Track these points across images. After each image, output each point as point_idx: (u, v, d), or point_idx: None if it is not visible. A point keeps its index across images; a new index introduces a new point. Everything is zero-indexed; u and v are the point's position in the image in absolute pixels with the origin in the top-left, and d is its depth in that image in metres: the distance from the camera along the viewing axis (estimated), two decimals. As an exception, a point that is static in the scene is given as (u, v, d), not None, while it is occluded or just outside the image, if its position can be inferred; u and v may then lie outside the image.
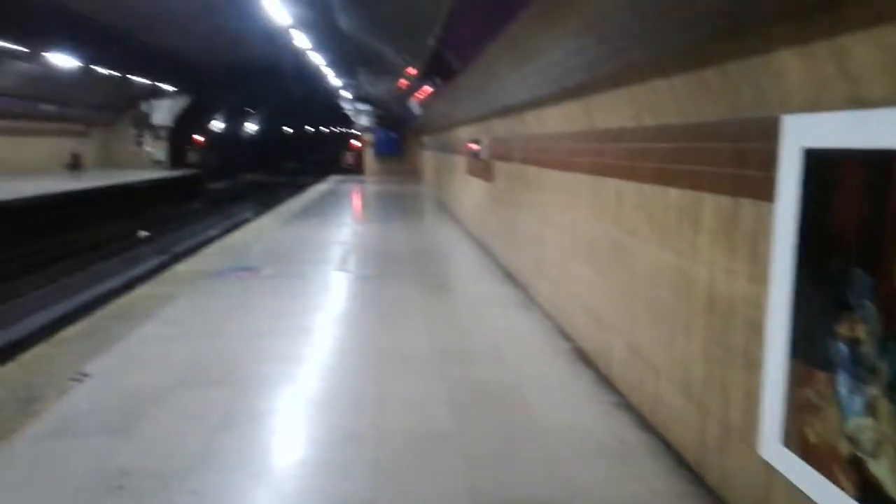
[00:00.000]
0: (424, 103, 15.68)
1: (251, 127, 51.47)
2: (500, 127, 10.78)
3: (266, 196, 38.31)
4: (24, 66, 22.45)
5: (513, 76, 7.48)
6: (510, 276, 10.15)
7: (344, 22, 12.98)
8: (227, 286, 9.34)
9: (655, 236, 4.72)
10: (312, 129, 73.67)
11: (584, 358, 6.34)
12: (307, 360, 6.27)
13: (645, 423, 4.83)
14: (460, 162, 16.39)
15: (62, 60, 22.05)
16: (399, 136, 36.06)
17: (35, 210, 19.60)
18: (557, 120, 7.37)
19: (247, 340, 6.83)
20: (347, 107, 36.67)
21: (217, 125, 41.78)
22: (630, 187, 5.21)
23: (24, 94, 24.83)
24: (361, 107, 36.04)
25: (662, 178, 4.59)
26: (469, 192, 14.99)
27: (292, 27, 15.28)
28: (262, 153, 54.86)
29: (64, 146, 30.82)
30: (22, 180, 24.04)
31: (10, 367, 5.89)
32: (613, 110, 5.47)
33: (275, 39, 19.04)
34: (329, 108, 46.00)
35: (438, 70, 10.95)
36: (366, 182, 32.08)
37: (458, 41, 8.03)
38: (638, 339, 5.05)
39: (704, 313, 3.95)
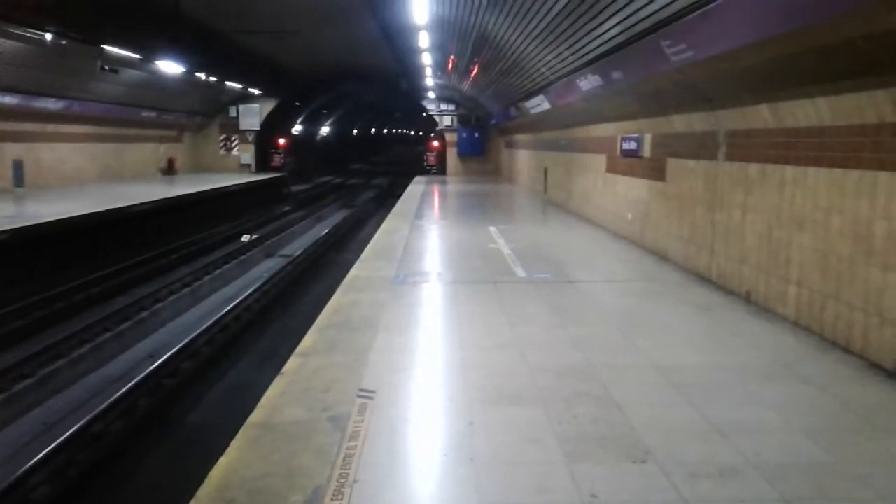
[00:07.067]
0: (554, 100, 15.21)
1: (324, 129, 51.72)
2: (683, 122, 10.25)
3: (347, 198, 38.32)
4: (134, 73, 22.72)
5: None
6: (708, 281, 9.55)
7: (492, 21, 12.61)
8: (415, 293, 9.06)
9: None
10: (387, 130, 73.73)
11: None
12: (586, 375, 5.86)
13: None
14: (593, 160, 15.87)
15: (169, 67, 22.19)
16: (482, 135, 35.58)
17: (151, 215, 19.85)
18: (812, 113, 6.84)
19: (483, 353, 6.50)
20: (431, 107, 36.39)
21: (296, 128, 42.05)
22: None
23: (130, 102, 25.21)
24: (445, 107, 35.77)
25: None
26: (612, 192, 14.45)
27: (423, 28, 14.98)
28: (334, 155, 55.11)
29: (158, 151, 31.34)
30: (129, 186, 24.47)
31: (285, 381, 5.58)
32: None
33: (392, 42, 18.79)
34: (409, 109, 45.94)
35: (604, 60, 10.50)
36: (452, 182, 31.64)
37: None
38: None
39: None
